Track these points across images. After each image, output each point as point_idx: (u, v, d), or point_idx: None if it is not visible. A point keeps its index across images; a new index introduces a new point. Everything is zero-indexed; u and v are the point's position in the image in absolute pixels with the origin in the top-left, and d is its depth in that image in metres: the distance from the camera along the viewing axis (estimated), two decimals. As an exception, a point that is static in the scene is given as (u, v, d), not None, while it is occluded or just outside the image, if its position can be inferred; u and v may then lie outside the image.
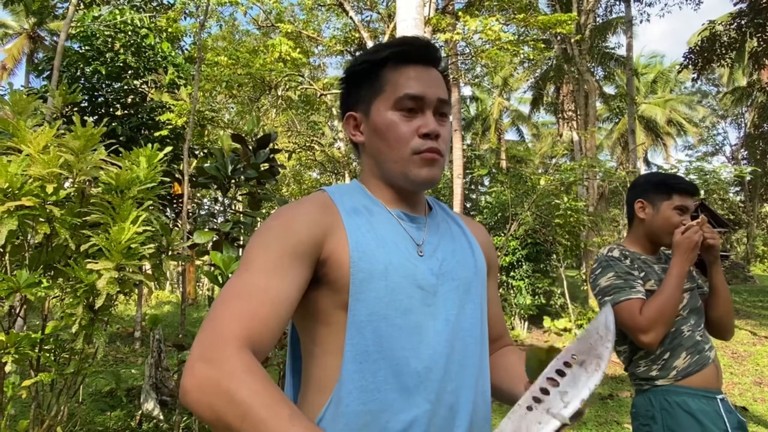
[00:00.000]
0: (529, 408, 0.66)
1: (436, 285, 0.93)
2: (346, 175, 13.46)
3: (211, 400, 0.69)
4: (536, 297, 11.37)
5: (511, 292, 11.41)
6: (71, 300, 2.39)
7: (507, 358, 1.08)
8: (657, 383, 1.75)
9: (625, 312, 1.73)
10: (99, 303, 2.32)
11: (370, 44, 9.95)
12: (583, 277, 15.31)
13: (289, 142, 12.40)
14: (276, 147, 3.48)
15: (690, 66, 13.30)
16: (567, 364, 0.67)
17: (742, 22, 12.13)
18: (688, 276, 1.86)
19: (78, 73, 7.68)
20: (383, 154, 0.97)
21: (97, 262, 2.30)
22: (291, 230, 0.87)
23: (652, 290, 1.78)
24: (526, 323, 11.36)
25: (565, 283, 11.51)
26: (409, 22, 5.12)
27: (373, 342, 0.86)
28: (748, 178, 22.91)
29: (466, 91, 28.60)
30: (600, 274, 1.84)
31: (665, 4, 15.09)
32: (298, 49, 9.42)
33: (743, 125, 28.54)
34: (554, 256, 11.56)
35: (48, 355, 2.62)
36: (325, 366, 0.89)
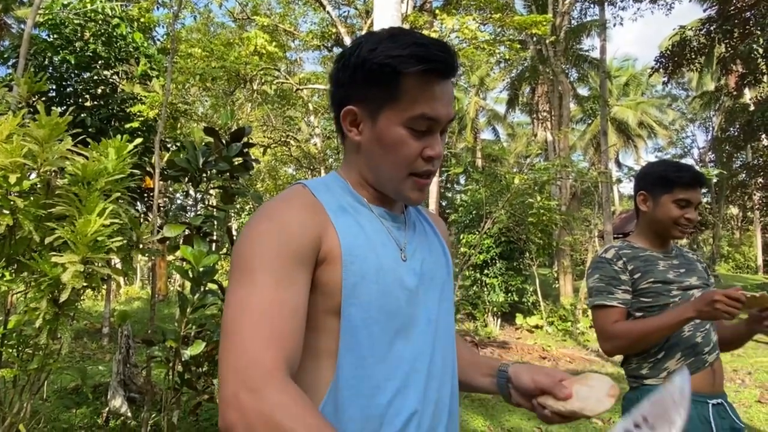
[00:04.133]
0: None
1: (417, 286, 0.94)
2: (322, 171, 13.41)
3: None
4: (509, 294, 11.49)
5: (485, 289, 11.51)
6: (35, 294, 2.32)
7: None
8: (645, 382, 1.76)
9: (596, 315, 1.81)
10: (64, 297, 2.27)
11: (347, 40, 9.92)
12: (555, 275, 15.55)
13: (264, 137, 12.28)
14: (251, 141, 3.43)
15: (661, 70, 13.62)
16: (637, 426, 0.67)
17: (711, 28, 12.47)
18: (699, 273, 1.86)
19: (46, 62, 7.45)
20: (381, 167, 0.93)
21: (62, 255, 2.24)
22: (288, 234, 0.83)
23: (646, 288, 1.78)
24: (499, 320, 11.48)
25: (537, 281, 11.68)
26: (387, 19, 5.12)
27: (368, 346, 0.85)
28: (714, 180, 23.56)
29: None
30: (590, 275, 1.88)
31: (638, 9, 15.42)
32: (274, 43, 9.34)
33: (711, 129, 29.32)
34: (527, 254, 11.70)
35: (10, 350, 2.55)
36: (314, 369, 0.86)
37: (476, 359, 1.10)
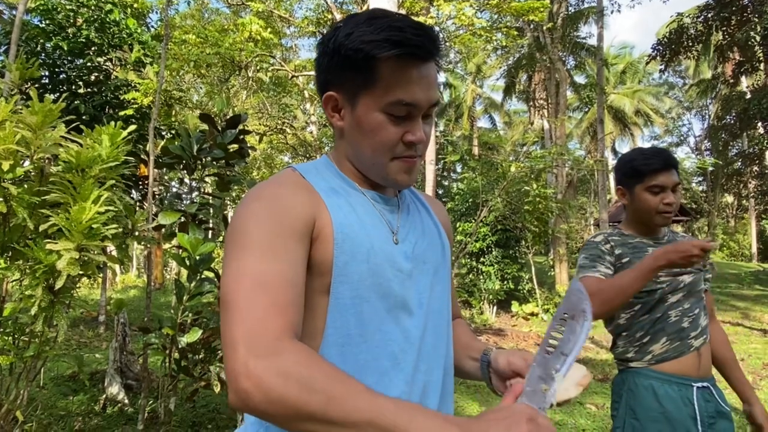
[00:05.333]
0: (548, 352, 0.81)
1: (410, 268, 0.93)
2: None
3: (284, 393, 0.65)
4: (505, 282, 11.54)
5: (481, 277, 11.55)
6: (30, 281, 2.32)
7: (455, 331, 1.11)
8: (631, 365, 1.78)
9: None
10: (59, 284, 2.26)
11: (343, 27, 9.80)
12: (551, 263, 15.61)
13: (260, 124, 12.20)
14: (246, 129, 3.41)
15: (658, 57, 13.57)
16: (563, 320, 0.83)
17: (709, 15, 12.42)
18: None
19: (38, 48, 7.37)
20: (363, 153, 0.92)
21: (57, 243, 2.24)
22: (283, 210, 0.83)
23: None
24: (495, 308, 11.54)
25: (533, 268, 11.72)
26: (383, 5, 5.07)
27: (355, 325, 0.85)
28: (710, 169, 23.62)
29: (440, 77, 28.62)
30: (580, 256, 1.90)
31: (636, -5, 15.46)
32: (269, 29, 9.25)
33: (707, 117, 29.34)
34: (523, 242, 11.74)
35: (7, 338, 2.55)
36: None
37: (470, 343, 1.10)
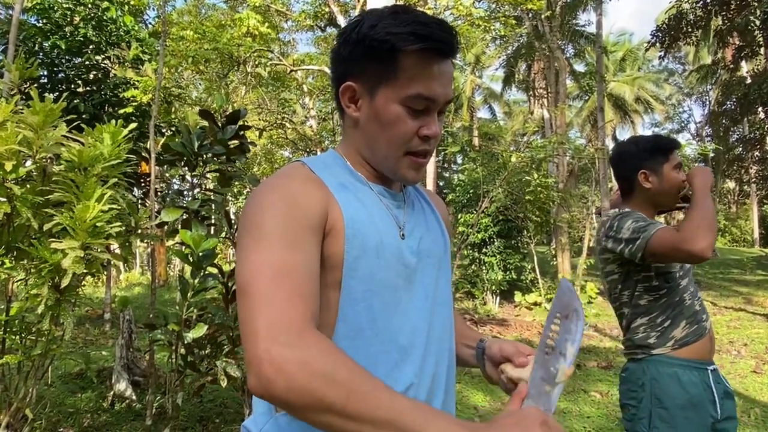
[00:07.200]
0: (546, 353, 0.84)
1: (416, 263, 0.96)
2: (318, 153, 13.35)
3: (307, 383, 0.65)
4: (507, 272, 11.55)
5: (483, 268, 11.56)
6: (36, 280, 2.34)
7: None
8: (653, 352, 1.76)
9: (662, 238, 1.64)
10: (65, 282, 2.28)
11: (340, 19, 9.79)
12: (553, 252, 15.62)
13: (259, 120, 12.19)
14: (246, 124, 3.42)
15: (657, 44, 13.51)
16: (557, 320, 0.84)
17: (708, 0, 12.33)
18: None
19: (36, 48, 7.36)
20: (378, 144, 0.94)
21: (61, 241, 2.25)
22: (297, 203, 0.84)
23: None
24: (498, 298, 11.56)
25: (535, 258, 11.72)
26: (380, -3, 5.05)
27: (366, 319, 0.87)
28: (711, 155, 23.55)
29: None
30: (618, 227, 1.77)
31: (634, -18, 15.40)
32: (266, 24, 9.23)
33: (708, 103, 29.22)
34: (525, 232, 11.74)
35: (14, 337, 2.57)
36: None
37: (465, 331, 1.13)
